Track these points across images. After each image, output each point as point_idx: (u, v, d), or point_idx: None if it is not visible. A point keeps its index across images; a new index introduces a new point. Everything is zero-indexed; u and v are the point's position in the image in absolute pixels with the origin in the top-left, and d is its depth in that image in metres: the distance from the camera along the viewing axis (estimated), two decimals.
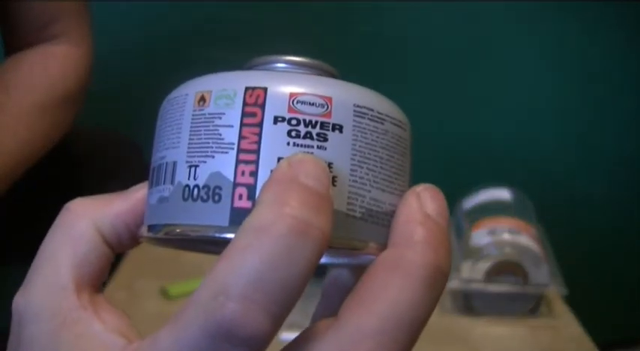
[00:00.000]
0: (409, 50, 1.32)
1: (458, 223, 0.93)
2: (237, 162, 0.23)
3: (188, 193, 0.24)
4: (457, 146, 1.35)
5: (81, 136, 0.95)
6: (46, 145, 0.79)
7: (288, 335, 0.82)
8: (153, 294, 0.85)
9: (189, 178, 0.24)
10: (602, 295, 1.40)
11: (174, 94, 0.26)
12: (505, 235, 0.83)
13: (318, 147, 0.23)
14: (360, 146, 0.24)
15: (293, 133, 0.23)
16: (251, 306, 0.20)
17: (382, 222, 0.24)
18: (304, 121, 0.23)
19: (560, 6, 1.29)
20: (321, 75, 0.26)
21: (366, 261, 0.24)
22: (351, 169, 0.24)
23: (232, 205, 0.23)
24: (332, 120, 0.24)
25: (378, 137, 0.25)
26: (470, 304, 0.84)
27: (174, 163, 0.25)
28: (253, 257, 0.21)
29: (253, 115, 0.24)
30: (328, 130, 0.24)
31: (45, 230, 0.28)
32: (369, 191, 0.24)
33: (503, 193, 0.93)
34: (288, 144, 0.23)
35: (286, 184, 0.22)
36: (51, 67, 0.82)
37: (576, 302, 0.86)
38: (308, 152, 0.23)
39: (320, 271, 0.26)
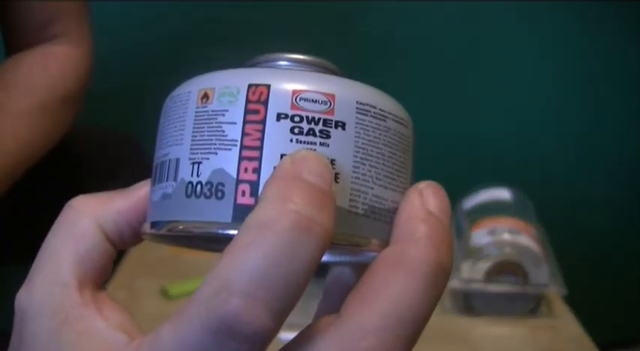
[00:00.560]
0: (409, 50, 1.32)
1: (458, 223, 0.93)
2: (240, 159, 0.23)
3: (191, 190, 0.24)
4: (457, 146, 1.35)
5: (81, 136, 0.95)
6: (47, 145, 0.79)
7: (288, 335, 0.82)
8: (153, 294, 0.85)
9: (192, 175, 0.24)
10: (602, 295, 1.39)
11: (177, 91, 0.26)
12: (505, 235, 0.83)
13: (320, 144, 0.23)
14: (362, 143, 0.24)
15: (296, 130, 0.23)
16: (254, 302, 0.20)
17: (384, 219, 0.24)
18: (307, 117, 0.24)
19: (561, 6, 1.29)
20: (323, 73, 0.26)
21: (368, 259, 0.24)
22: (354, 166, 0.24)
23: (235, 201, 0.23)
24: (335, 117, 0.24)
25: (380, 134, 0.25)
26: (470, 304, 0.84)
27: (178, 160, 0.25)
28: (256, 253, 0.21)
29: (256, 112, 0.24)
30: (331, 127, 0.24)
31: (45, 230, 0.28)
32: (372, 188, 0.24)
33: (503, 193, 0.93)
34: (291, 141, 0.23)
35: (289, 181, 0.22)
36: (51, 67, 0.82)
37: (576, 302, 0.86)
38: (311, 149, 0.23)
39: (321, 270, 0.26)
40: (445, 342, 0.79)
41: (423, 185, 0.25)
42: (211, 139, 0.24)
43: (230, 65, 0.26)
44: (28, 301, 0.26)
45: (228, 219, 0.23)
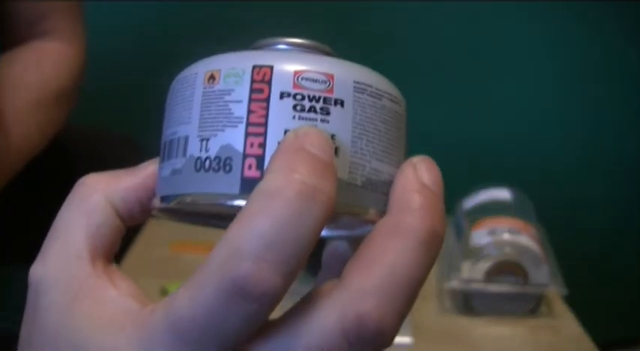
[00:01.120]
0: (409, 50, 1.32)
1: (458, 223, 0.93)
2: (247, 134, 0.25)
3: (200, 165, 0.26)
4: (457, 146, 1.35)
5: (79, 135, 0.95)
6: (41, 143, 0.79)
7: None
8: (153, 294, 0.85)
9: (200, 151, 0.26)
10: (602, 295, 1.39)
11: (185, 73, 0.27)
12: (505, 235, 0.83)
13: (321, 120, 0.25)
14: (360, 120, 0.26)
15: (298, 108, 0.25)
16: (264, 265, 0.22)
17: (381, 190, 0.26)
18: (308, 96, 0.25)
19: (561, 6, 1.29)
20: (322, 55, 0.28)
21: (364, 232, 0.26)
22: (352, 141, 0.26)
23: (242, 174, 0.25)
24: (334, 95, 0.26)
25: (376, 112, 0.27)
26: (470, 304, 0.84)
27: (187, 138, 0.26)
28: (265, 220, 0.22)
29: (261, 91, 0.25)
30: (330, 104, 0.25)
31: (43, 230, 0.28)
32: (369, 161, 0.26)
33: (503, 193, 0.93)
34: (294, 117, 0.25)
35: (294, 153, 0.23)
36: (44, 64, 0.82)
37: (576, 302, 0.86)
38: (312, 125, 0.25)
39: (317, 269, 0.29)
40: (445, 342, 0.79)
41: (416, 159, 0.27)
42: (218, 117, 0.26)
43: (233, 49, 0.27)
44: (43, 273, 0.27)
45: (236, 191, 0.25)
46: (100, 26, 1.04)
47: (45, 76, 0.82)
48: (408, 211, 0.25)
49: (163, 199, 0.27)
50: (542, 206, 0.93)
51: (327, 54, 0.28)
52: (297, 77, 0.25)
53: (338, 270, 0.25)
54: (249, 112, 0.25)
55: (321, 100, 0.25)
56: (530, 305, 0.83)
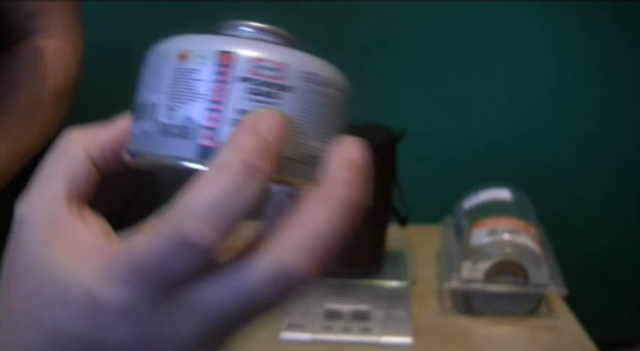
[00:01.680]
0: (409, 50, 1.32)
1: (458, 223, 0.93)
2: (207, 110, 0.30)
3: (165, 130, 0.30)
4: (457, 146, 1.36)
5: None
6: (40, 142, 0.79)
7: (287, 335, 0.82)
8: None
9: (167, 118, 0.30)
10: (602, 295, 1.40)
11: (160, 48, 0.32)
12: (505, 235, 0.83)
13: (273, 104, 0.30)
14: (306, 105, 0.30)
15: (253, 91, 0.30)
16: (207, 225, 0.27)
17: (318, 165, 0.30)
18: (263, 82, 0.30)
19: (561, 6, 1.29)
20: (280, 42, 0.32)
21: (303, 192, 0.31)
22: (298, 123, 0.30)
23: (198, 142, 0.30)
24: (286, 82, 0.30)
25: (321, 98, 0.31)
26: (470, 304, 0.84)
27: (156, 105, 0.31)
28: (213, 188, 0.27)
29: (223, 73, 0.30)
30: (282, 90, 0.30)
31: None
32: (311, 141, 0.31)
33: (503, 193, 0.93)
34: (249, 100, 0.30)
35: (248, 135, 0.28)
36: (41, 63, 0.83)
37: (576, 302, 0.86)
38: (265, 107, 0.30)
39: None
40: (445, 342, 0.79)
41: (348, 140, 0.31)
42: (184, 92, 0.30)
43: (204, 29, 0.32)
44: (26, 211, 0.32)
45: (191, 155, 0.30)
46: (102, 25, 1.04)
47: (41, 74, 0.82)
48: (335, 183, 0.29)
49: (132, 154, 0.32)
50: (542, 206, 0.93)
51: (287, 40, 0.32)
52: (255, 64, 0.30)
53: (277, 220, 0.30)
54: (211, 90, 0.30)
55: (274, 87, 0.30)
56: (530, 305, 0.83)
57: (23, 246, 0.31)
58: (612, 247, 1.42)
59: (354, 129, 0.92)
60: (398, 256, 0.87)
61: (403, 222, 0.85)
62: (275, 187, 0.32)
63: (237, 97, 0.30)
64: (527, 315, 0.83)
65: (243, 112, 0.29)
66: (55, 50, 0.84)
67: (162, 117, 0.30)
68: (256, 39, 0.32)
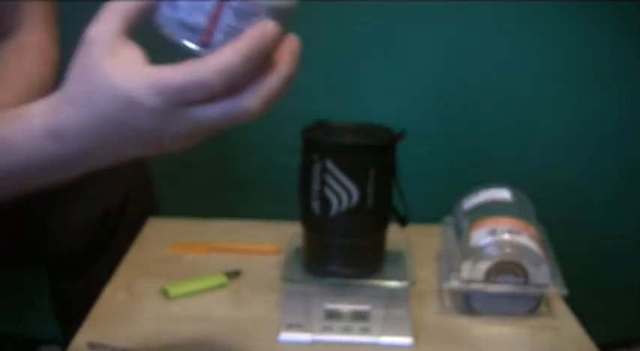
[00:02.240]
0: (409, 49, 1.32)
1: (458, 223, 0.93)
2: (209, 20, 0.48)
3: (183, 23, 0.49)
4: (457, 146, 1.35)
5: None
6: None
7: (287, 336, 0.82)
8: (153, 294, 0.85)
9: (186, 16, 0.49)
10: (602, 295, 1.40)
11: None
12: (505, 235, 0.83)
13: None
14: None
15: (237, 14, 0.49)
16: (218, 78, 0.48)
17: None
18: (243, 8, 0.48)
19: (561, 6, 1.29)
20: None
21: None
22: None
23: (201, 38, 0.49)
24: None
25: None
26: (470, 304, 0.84)
27: (179, 5, 0.49)
28: (224, 58, 0.48)
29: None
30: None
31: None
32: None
33: (503, 193, 0.93)
34: (236, 19, 0.49)
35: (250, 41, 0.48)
36: (25, 59, 0.85)
37: (576, 302, 0.86)
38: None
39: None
40: (445, 342, 0.79)
41: (292, 38, 0.52)
42: (198, 5, 0.48)
43: None
44: (95, 34, 0.50)
45: (196, 43, 0.50)
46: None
47: (27, 71, 0.84)
48: (288, 64, 0.51)
49: (158, 26, 0.50)
50: (542, 206, 0.93)
51: None
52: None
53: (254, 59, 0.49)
54: (213, 7, 0.48)
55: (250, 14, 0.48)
56: (530, 305, 0.83)
57: (91, 57, 0.49)
58: (612, 247, 1.43)
59: (354, 129, 0.93)
60: (398, 256, 0.87)
61: (403, 222, 0.85)
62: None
63: (227, 15, 0.48)
64: (527, 315, 0.84)
65: (230, 26, 0.48)
66: (37, 44, 0.86)
67: (183, 14, 0.49)
68: None
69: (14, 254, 0.92)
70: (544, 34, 1.33)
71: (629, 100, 1.37)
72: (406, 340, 0.77)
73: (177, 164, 1.14)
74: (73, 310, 0.85)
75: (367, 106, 1.31)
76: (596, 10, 1.30)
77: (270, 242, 0.98)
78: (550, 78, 1.35)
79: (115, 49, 0.49)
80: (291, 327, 0.77)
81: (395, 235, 0.87)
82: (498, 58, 1.33)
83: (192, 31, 0.49)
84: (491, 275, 0.82)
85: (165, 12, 0.49)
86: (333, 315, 0.79)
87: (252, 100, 0.48)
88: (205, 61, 0.47)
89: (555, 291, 0.82)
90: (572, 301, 0.86)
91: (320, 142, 0.79)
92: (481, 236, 0.84)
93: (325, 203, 0.78)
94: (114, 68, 0.49)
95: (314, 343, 0.76)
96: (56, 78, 0.86)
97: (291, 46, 0.50)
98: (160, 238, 0.99)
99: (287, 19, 0.50)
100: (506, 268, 0.82)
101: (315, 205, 0.80)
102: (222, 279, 0.88)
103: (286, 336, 0.76)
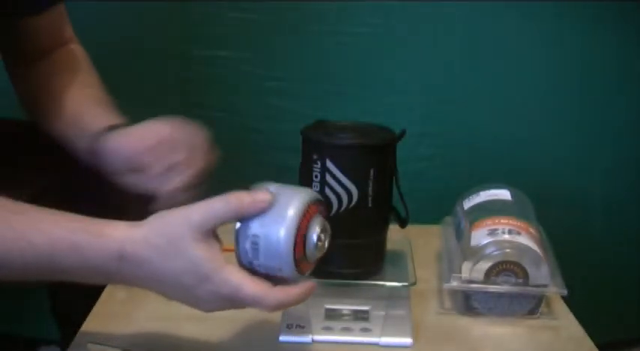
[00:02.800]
0: (409, 49, 1.32)
1: (458, 223, 0.93)
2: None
3: (253, 269, 0.64)
4: (457, 146, 1.35)
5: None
6: None
7: (286, 337, 0.82)
8: (153, 294, 0.85)
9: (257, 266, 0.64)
10: (602, 295, 1.39)
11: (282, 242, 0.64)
12: (505, 235, 0.83)
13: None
14: None
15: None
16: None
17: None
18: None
19: (561, 5, 1.29)
20: None
21: None
22: None
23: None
24: None
25: None
26: (470, 304, 0.84)
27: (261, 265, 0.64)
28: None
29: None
30: None
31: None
32: None
33: (503, 193, 0.93)
34: None
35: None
36: (87, 65, 0.92)
37: (576, 302, 0.86)
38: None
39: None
40: (445, 342, 0.79)
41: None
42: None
43: None
44: (195, 213, 0.62)
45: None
46: (103, 26, 1.04)
47: (95, 75, 0.91)
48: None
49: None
50: (542, 206, 0.93)
51: None
52: None
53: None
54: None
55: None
56: (530, 305, 0.83)
57: (184, 227, 0.61)
58: (612, 247, 1.42)
59: (354, 129, 0.93)
60: (398, 256, 0.87)
61: (403, 222, 0.85)
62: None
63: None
64: (527, 315, 0.84)
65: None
66: (82, 53, 0.93)
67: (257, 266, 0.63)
68: None
69: None
70: (545, 34, 1.33)
71: (629, 101, 1.37)
72: (406, 340, 0.77)
73: None
74: (73, 311, 0.85)
75: (367, 106, 1.31)
76: (596, 10, 1.30)
77: None
78: (550, 78, 1.35)
79: (209, 237, 0.61)
80: (291, 327, 0.77)
81: (395, 235, 0.87)
82: (498, 58, 1.33)
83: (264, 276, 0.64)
84: (492, 275, 0.82)
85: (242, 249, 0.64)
86: (333, 315, 0.79)
87: (272, 308, 0.62)
88: (281, 291, 0.62)
89: (555, 291, 0.82)
90: (572, 301, 0.86)
91: (320, 142, 0.79)
92: (481, 236, 0.84)
93: (325, 203, 0.79)
94: (203, 250, 0.60)
95: (314, 343, 0.76)
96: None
97: (307, 290, 0.63)
98: None
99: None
100: (506, 268, 0.82)
101: None
102: None
103: (286, 336, 0.76)
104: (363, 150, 0.79)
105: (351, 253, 0.82)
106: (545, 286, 0.82)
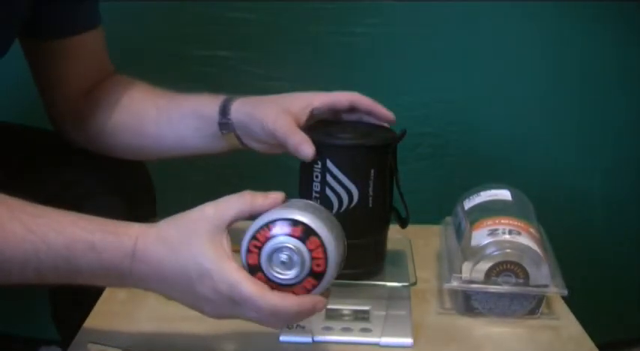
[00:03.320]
0: (409, 49, 1.32)
1: (458, 223, 0.93)
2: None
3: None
4: (457, 146, 1.35)
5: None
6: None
7: (286, 337, 0.82)
8: (153, 294, 0.85)
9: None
10: (602, 295, 1.40)
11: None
12: (505, 235, 0.83)
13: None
14: None
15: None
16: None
17: None
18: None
19: (561, 5, 1.29)
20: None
21: None
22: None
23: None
24: None
25: None
26: (470, 304, 0.84)
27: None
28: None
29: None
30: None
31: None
32: None
33: (503, 193, 0.93)
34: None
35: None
36: (135, 98, 0.93)
37: (576, 302, 0.86)
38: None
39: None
40: (445, 342, 0.79)
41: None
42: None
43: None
44: (212, 210, 0.64)
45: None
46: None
47: (136, 110, 0.92)
48: None
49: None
50: (542, 206, 0.93)
51: None
52: None
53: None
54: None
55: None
56: (530, 305, 0.83)
57: (198, 223, 0.62)
58: (612, 247, 1.43)
59: (354, 129, 0.93)
60: (398, 256, 0.87)
61: (403, 222, 0.85)
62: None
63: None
64: (527, 315, 0.84)
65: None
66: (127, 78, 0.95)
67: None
68: None
69: None
70: (545, 34, 1.33)
71: (629, 101, 1.37)
72: (406, 340, 0.77)
73: (177, 164, 1.14)
74: (72, 312, 0.85)
75: None
76: (596, 10, 1.30)
77: None
78: (550, 78, 1.35)
79: (220, 233, 0.62)
80: (291, 327, 0.77)
81: (395, 235, 0.87)
82: (498, 58, 1.33)
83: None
84: (492, 275, 0.82)
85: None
86: (333, 315, 0.79)
87: (267, 313, 0.61)
88: (277, 295, 0.61)
89: (555, 291, 0.82)
90: (572, 301, 0.86)
91: (320, 142, 0.78)
92: (481, 236, 0.84)
93: (326, 203, 0.78)
94: (210, 243, 0.61)
95: (314, 343, 0.76)
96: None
97: (308, 301, 0.63)
98: None
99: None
100: (507, 268, 0.82)
101: None
102: None
103: (287, 336, 0.76)
104: (364, 150, 0.79)
105: (351, 253, 0.82)
106: (545, 286, 0.82)
